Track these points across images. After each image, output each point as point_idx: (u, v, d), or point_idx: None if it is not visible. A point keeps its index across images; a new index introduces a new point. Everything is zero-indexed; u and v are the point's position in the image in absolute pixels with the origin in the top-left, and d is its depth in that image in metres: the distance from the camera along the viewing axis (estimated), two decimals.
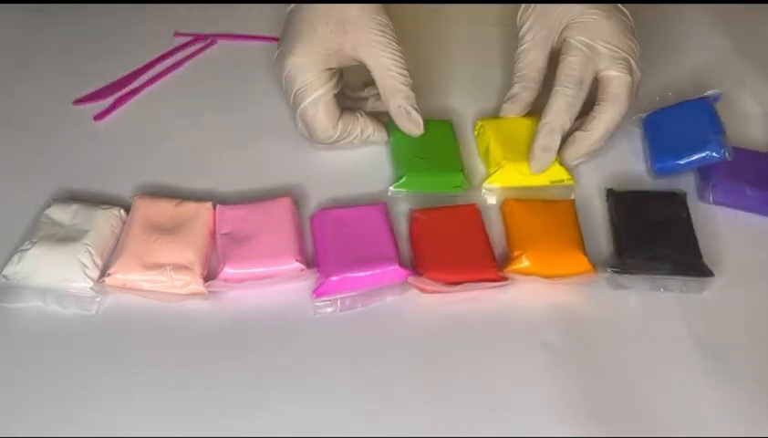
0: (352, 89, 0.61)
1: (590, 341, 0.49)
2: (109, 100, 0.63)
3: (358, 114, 0.58)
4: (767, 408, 0.46)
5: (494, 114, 0.62)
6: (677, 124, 0.58)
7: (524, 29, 0.59)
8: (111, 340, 0.48)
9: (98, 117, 0.62)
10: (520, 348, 0.48)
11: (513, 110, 0.59)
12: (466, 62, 0.68)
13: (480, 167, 0.59)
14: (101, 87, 0.64)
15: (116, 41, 0.69)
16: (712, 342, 0.49)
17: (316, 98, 0.55)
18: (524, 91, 0.59)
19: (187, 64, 0.67)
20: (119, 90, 0.64)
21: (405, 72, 0.55)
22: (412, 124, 0.57)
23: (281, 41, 0.57)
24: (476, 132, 0.61)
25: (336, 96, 0.56)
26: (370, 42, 0.55)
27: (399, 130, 0.59)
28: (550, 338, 0.49)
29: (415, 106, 0.56)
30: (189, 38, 0.69)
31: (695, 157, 0.56)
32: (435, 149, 0.58)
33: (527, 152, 0.56)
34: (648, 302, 0.51)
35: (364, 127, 0.58)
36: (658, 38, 0.71)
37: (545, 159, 0.55)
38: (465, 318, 0.49)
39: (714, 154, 0.56)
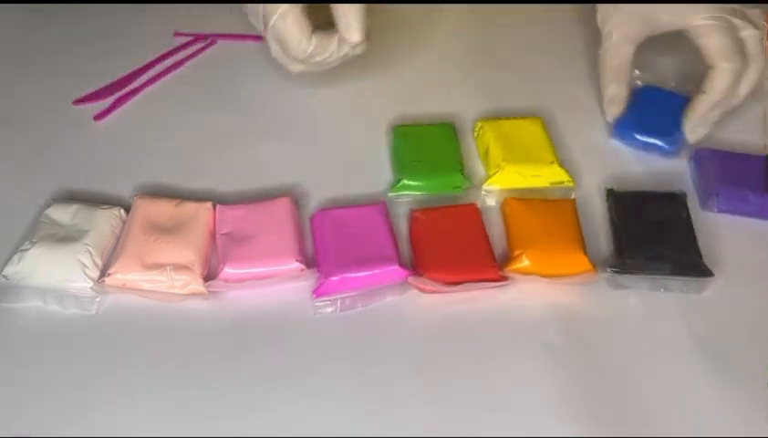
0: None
1: (590, 341, 0.49)
2: (109, 100, 0.63)
3: (333, 31, 0.57)
4: (767, 408, 0.46)
5: (494, 115, 0.62)
6: (657, 106, 0.61)
7: (609, 26, 0.60)
8: (111, 340, 0.48)
9: (98, 117, 0.62)
10: (520, 348, 0.48)
11: (618, 111, 0.61)
12: (466, 63, 0.68)
13: (480, 168, 0.59)
14: (101, 87, 0.64)
15: (116, 41, 0.69)
16: (712, 342, 0.49)
17: (284, 10, 0.54)
18: (622, 88, 0.60)
19: (187, 64, 0.67)
20: (119, 90, 0.64)
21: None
22: (356, 32, 0.55)
23: None
24: (476, 134, 0.61)
25: (305, 10, 0.55)
26: None
27: (399, 135, 0.59)
28: (550, 338, 0.49)
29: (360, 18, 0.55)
30: (189, 38, 0.69)
31: (650, 141, 0.60)
32: (435, 151, 0.58)
33: (537, 152, 0.57)
34: (648, 302, 0.51)
35: (338, 40, 0.56)
36: (658, 38, 0.71)
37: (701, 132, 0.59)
38: (465, 318, 0.49)
39: (666, 147, 0.59)
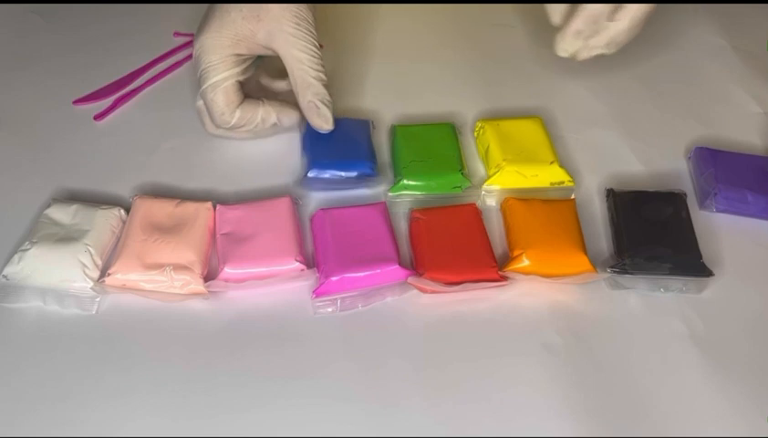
0: (270, 79, 0.60)
1: (590, 341, 0.49)
2: (109, 100, 0.63)
3: (263, 100, 0.57)
4: (767, 408, 0.46)
5: (494, 115, 0.62)
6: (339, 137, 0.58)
7: None
8: (111, 340, 0.48)
9: (98, 117, 0.62)
10: (520, 347, 0.48)
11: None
12: (467, 62, 0.68)
13: (480, 168, 0.59)
14: (101, 87, 0.64)
15: (116, 41, 0.69)
16: (712, 342, 0.49)
17: (217, 81, 0.54)
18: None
19: (187, 64, 0.67)
20: (118, 90, 0.64)
21: (319, 67, 0.55)
22: (321, 119, 0.56)
23: (200, 22, 0.57)
24: (476, 133, 0.61)
25: (240, 83, 0.56)
26: (284, 33, 0.54)
27: (400, 135, 0.59)
28: (550, 337, 0.49)
29: (326, 101, 0.56)
30: (189, 38, 0.69)
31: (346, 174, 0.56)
32: (435, 151, 0.58)
33: (537, 152, 0.56)
34: (648, 302, 0.51)
35: (266, 114, 0.57)
36: (657, 38, 0.71)
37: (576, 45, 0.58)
38: (465, 318, 0.50)
39: (368, 171, 0.56)
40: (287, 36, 0.54)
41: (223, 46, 0.54)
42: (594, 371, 0.47)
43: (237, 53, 0.55)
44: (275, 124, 0.58)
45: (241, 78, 0.56)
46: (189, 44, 0.68)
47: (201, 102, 0.57)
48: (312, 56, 0.55)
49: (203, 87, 0.55)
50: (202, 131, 0.61)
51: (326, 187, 0.56)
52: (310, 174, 0.56)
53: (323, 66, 0.55)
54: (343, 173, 0.56)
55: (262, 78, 0.60)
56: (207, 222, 0.52)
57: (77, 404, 0.45)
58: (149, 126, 0.62)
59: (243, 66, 0.56)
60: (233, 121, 0.56)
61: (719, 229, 0.55)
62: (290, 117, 0.58)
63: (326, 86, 0.56)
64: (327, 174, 0.56)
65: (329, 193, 0.56)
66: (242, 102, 0.56)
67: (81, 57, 0.67)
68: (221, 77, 0.54)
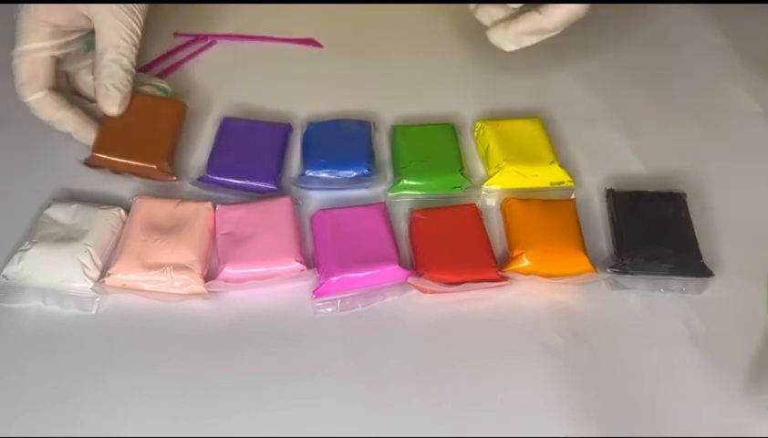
0: (86, 100, 0.58)
1: (590, 341, 0.49)
2: None
3: (71, 105, 0.55)
4: (767, 408, 0.46)
5: (494, 115, 0.62)
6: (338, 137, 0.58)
7: None
8: (111, 340, 0.48)
9: None
10: (520, 348, 0.48)
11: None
12: (467, 63, 0.68)
13: (480, 168, 0.59)
14: None
15: None
16: (712, 342, 0.49)
17: (26, 50, 0.52)
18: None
19: (187, 64, 0.67)
20: None
21: (128, 53, 0.53)
22: (106, 101, 0.54)
23: None
24: (476, 133, 0.61)
25: (57, 62, 0.54)
26: (110, 10, 0.52)
27: (400, 135, 0.59)
28: (550, 337, 0.49)
29: (119, 85, 0.54)
30: (189, 38, 0.69)
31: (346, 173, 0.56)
32: (435, 151, 0.58)
33: (537, 152, 0.56)
34: (648, 302, 0.51)
35: (63, 120, 0.54)
36: (658, 38, 0.71)
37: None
38: (465, 318, 0.50)
39: (366, 171, 0.56)
40: (111, 8, 0.52)
41: (39, 12, 0.52)
42: (594, 371, 0.47)
43: (54, 23, 0.52)
44: (70, 132, 0.55)
45: (56, 52, 0.53)
46: (189, 44, 0.68)
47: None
48: (124, 39, 0.53)
49: (12, 51, 0.53)
50: (202, 131, 0.61)
51: (323, 187, 0.56)
52: (308, 173, 0.56)
53: (134, 54, 0.53)
54: (341, 173, 0.56)
55: (82, 78, 0.57)
56: (207, 222, 0.52)
57: (77, 404, 0.45)
58: None
59: (61, 39, 0.53)
60: (30, 100, 0.53)
61: (719, 226, 0.55)
62: (85, 138, 0.55)
63: (130, 72, 0.54)
64: (325, 174, 0.56)
65: (329, 194, 0.56)
66: (51, 88, 0.54)
67: None
68: (31, 47, 0.52)
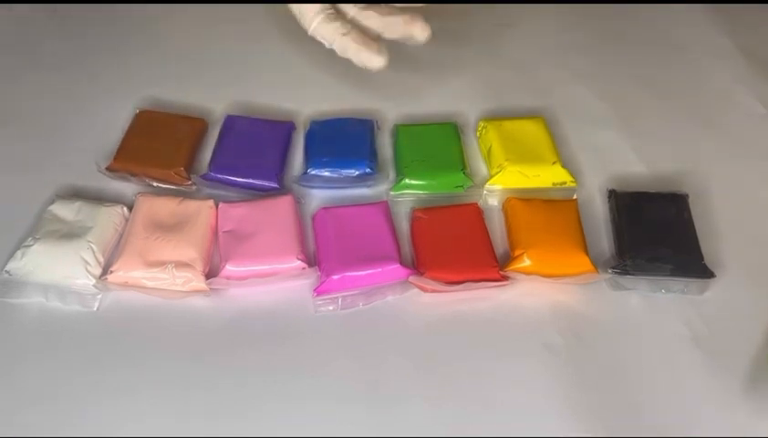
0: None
1: (591, 342, 0.49)
2: None
3: (351, 29, 0.54)
4: (767, 408, 0.46)
5: (497, 115, 0.62)
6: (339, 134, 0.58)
7: None
8: (113, 337, 0.48)
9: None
10: (521, 347, 0.48)
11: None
12: (469, 62, 0.68)
13: (482, 168, 0.59)
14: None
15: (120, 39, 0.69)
16: (713, 343, 0.49)
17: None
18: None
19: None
20: None
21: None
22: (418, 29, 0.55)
23: None
24: (478, 133, 0.61)
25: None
26: None
27: (402, 135, 0.59)
28: (551, 337, 0.49)
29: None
30: None
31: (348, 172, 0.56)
32: (437, 151, 0.58)
33: (539, 152, 0.56)
34: (650, 303, 0.51)
35: (343, 45, 0.54)
36: (660, 38, 0.71)
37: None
38: (466, 318, 0.50)
39: (369, 170, 0.56)
40: None
41: None
42: (595, 372, 0.47)
43: None
44: (340, 52, 0.54)
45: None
46: None
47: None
48: None
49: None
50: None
51: (326, 185, 0.56)
52: (310, 172, 0.56)
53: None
54: (343, 172, 0.56)
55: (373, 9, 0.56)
56: (209, 219, 0.52)
57: (78, 401, 0.45)
58: None
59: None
60: (311, 29, 0.54)
61: (720, 227, 0.55)
62: (371, 60, 0.54)
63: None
64: (327, 172, 0.56)
65: (331, 192, 0.56)
66: (327, 14, 0.53)
67: (86, 55, 0.67)
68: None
